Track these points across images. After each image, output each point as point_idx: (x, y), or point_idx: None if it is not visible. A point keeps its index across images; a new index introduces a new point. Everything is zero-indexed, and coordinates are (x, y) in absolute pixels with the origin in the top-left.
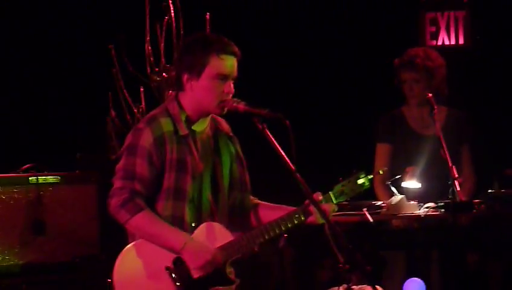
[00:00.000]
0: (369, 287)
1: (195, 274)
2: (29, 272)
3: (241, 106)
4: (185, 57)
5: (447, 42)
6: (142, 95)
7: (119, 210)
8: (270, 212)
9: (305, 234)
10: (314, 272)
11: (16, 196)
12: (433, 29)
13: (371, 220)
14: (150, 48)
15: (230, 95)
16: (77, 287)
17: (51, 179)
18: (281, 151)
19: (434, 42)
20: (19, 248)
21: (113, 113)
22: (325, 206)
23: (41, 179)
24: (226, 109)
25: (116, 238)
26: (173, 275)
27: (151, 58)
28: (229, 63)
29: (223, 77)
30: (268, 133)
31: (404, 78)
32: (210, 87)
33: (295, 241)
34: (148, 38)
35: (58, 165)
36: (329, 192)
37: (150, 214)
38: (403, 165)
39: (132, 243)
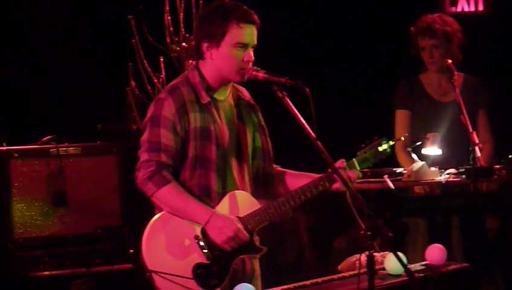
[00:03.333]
0: (391, 253)
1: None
2: (51, 244)
3: (261, 73)
4: (204, 26)
5: (466, 9)
6: (162, 65)
7: (146, 183)
8: (295, 180)
9: (320, 202)
10: (331, 240)
11: (36, 167)
12: None
13: (392, 187)
14: (169, 18)
15: (250, 63)
16: (100, 258)
17: (71, 150)
18: (302, 119)
19: (453, 8)
20: (40, 219)
21: (133, 83)
22: (350, 173)
23: (62, 150)
24: (246, 77)
25: (138, 209)
26: (201, 243)
27: (171, 28)
28: (249, 31)
29: (243, 45)
30: (289, 101)
31: (423, 45)
32: (230, 55)
33: (310, 209)
34: (167, 8)
35: (79, 136)
36: (353, 159)
37: (176, 187)
38: (423, 131)
39: (159, 214)
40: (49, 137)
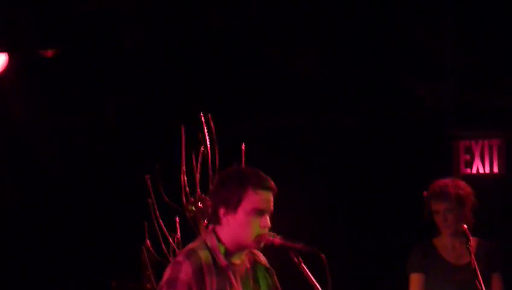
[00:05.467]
0: None
1: None
2: None
3: (277, 239)
4: (221, 191)
5: (481, 170)
6: (178, 225)
7: None
8: None
9: None
10: None
11: None
12: (468, 157)
13: None
14: (185, 178)
15: (267, 229)
16: None
17: None
18: (317, 285)
19: (468, 170)
20: None
21: (148, 242)
22: None
23: None
24: (262, 244)
25: None
26: None
27: (187, 189)
28: (265, 198)
29: (260, 212)
30: (304, 267)
31: (437, 209)
32: (247, 221)
33: None
34: (183, 168)
35: None
36: None
37: None
38: None
39: None
40: None
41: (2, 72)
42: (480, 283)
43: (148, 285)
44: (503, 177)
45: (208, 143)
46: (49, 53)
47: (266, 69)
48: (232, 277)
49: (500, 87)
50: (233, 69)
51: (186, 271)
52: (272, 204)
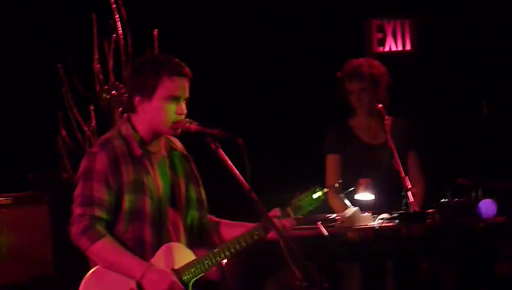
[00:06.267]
0: None
1: None
2: None
3: (193, 126)
4: (136, 79)
5: (394, 48)
6: (92, 114)
7: (79, 237)
8: (230, 229)
9: (252, 250)
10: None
11: None
12: (380, 35)
13: (326, 233)
14: (98, 65)
15: (183, 116)
16: None
17: (3, 200)
18: (235, 170)
19: (381, 48)
20: None
21: (63, 132)
22: (285, 221)
23: None
24: (179, 130)
25: (70, 258)
26: None
27: (100, 76)
28: (181, 84)
29: (175, 98)
30: (222, 153)
31: (351, 89)
32: (162, 108)
33: (242, 258)
34: (96, 56)
35: (10, 186)
36: (287, 207)
37: (109, 241)
38: (354, 177)
39: (93, 269)
40: None
41: None
42: (396, 163)
43: (64, 175)
44: (415, 54)
45: (120, 30)
46: None
47: None
48: (149, 165)
49: None
50: None
51: (101, 161)
52: (187, 90)
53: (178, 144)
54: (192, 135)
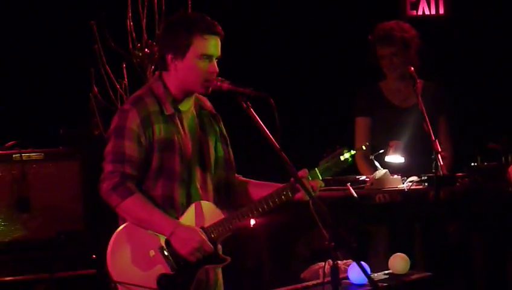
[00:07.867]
0: (354, 263)
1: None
2: (14, 249)
3: (225, 84)
4: (169, 37)
5: (427, 12)
6: (125, 71)
7: (110, 194)
8: (258, 189)
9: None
10: (291, 246)
11: None
12: None
13: (355, 194)
14: (131, 23)
15: (215, 75)
16: (63, 263)
17: (34, 155)
18: (266, 129)
19: (414, 12)
20: (3, 225)
21: (95, 89)
22: (312, 182)
23: (25, 156)
24: (210, 89)
25: (100, 214)
26: (166, 254)
27: (133, 34)
28: (213, 43)
29: (207, 57)
30: (253, 112)
31: (382, 53)
32: (194, 67)
33: (271, 219)
34: (129, 14)
35: (42, 141)
36: (315, 168)
37: (140, 198)
38: (384, 139)
39: (122, 226)
40: (12, 142)
41: None
42: (427, 125)
43: (96, 132)
44: (449, 18)
45: None
46: None
47: None
48: (179, 124)
49: None
50: None
51: (133, 119)
52: (219, 49)
53: (207, 103)
54: (223, 94)
